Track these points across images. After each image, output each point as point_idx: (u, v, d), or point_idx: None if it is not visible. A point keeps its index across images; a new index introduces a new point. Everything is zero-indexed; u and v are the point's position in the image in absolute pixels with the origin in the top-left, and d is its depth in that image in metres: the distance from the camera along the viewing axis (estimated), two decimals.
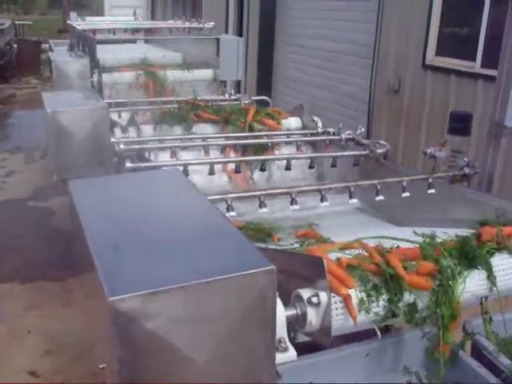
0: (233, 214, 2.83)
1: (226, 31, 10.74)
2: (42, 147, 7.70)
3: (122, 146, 3.42)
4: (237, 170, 3.65)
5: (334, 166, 3.74)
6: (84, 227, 1.75)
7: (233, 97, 5.05)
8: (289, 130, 4.40)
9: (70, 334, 4.08)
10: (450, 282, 2.09)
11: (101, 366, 1.71)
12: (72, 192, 2.07)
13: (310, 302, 1.87)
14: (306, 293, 1.89)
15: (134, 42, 8.16)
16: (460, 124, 3.41)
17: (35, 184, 7.17)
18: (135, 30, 7.37)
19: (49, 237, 5.70)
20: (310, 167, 3.90)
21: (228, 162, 3.80)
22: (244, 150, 3.99)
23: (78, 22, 7.14)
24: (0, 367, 3.80)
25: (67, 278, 4.82)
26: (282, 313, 1.79)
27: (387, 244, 2.59)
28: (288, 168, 3.66)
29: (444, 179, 3.29)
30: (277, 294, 1.58)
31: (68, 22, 7.76)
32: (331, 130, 4.21)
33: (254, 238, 2.92)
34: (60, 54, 5.56)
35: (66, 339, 4.05)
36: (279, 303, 1.75)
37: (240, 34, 10.21)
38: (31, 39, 17.93)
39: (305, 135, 4.30)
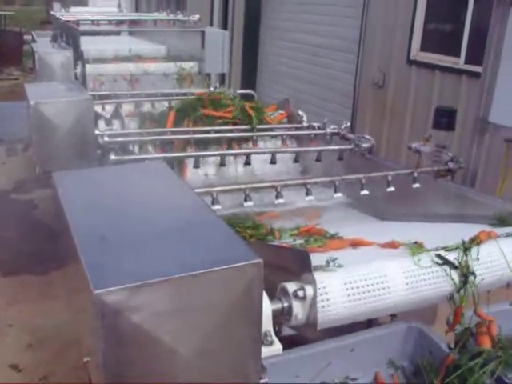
0: (218, 207, 2.82)
1: (211, 24, 10.70)
2: (24, 140, 7.62)
3: (106, 139, 3.40)
4: (222, 164, 3.63)
5: (318, 160, 3.74)
6: (69, 219, 1.73)
7: (218, 90, 5.01)
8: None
9: (53, 328, 4.05)
10: None
11: (85, 360, 1.69)
12: (56, 184, 2.04)
13: (295, 295, 1.86)
14: (291, 286, 1.89)
15: (118, 33, 8.10)
16: (445, 119, 3.43)
17: (17, 176, 7.09)
18: (119, 22, 7.32)
19: (31, 230, 5.64)
20: (295, 161, 3.90)
21: (213, 155, 3.78)
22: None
23: (62, 13, 7.06)
24: None
25: (50, 271, 4.78)
26: (267, 306, 1.78)
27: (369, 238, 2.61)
28: (273, 162, 3.65)
29: (429, 174, 3.30)
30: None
31: (51, 12, 7.68)
32: (316, 124, 4.20)
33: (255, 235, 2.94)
34: (43, 46, 5.48)
35: (49, 333, 4.02)
36: (265, 297, 1.75)
37: (225, 27, 10.17)
38: (13, 30, 17.69)
39: (290, 129, 4.29)
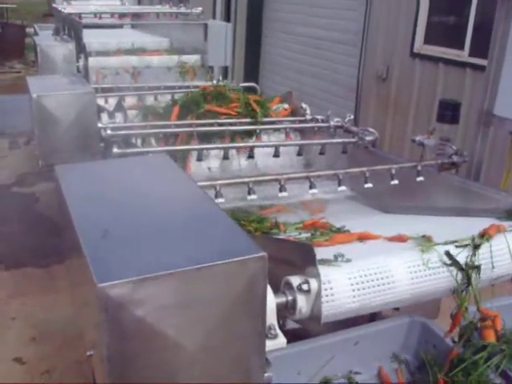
0: (221, 200, 2.81)
1: (214, 17, 10.66)
2: (27, 133, 7.63)
3: (108, 132, 3.38)
4: (225, 157, 3.62)
5: (322, 153, 3.72)
6: (71, 213, 1.72)
7: (221, 83, 4.99)
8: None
9: (56, 321, 4.06)
10: None
11: (88, 353, 1.69)
12: (59, 177, 2.03)
13: (300, 289, 1.86)
14: (296, 280, 1.88)
15: (120, 26, 8.08)
16: (449, 112, 3.41)
17: (19, 170, 7.10)
18: (122, 15, 7.30)
19: (33, 223, 5.65)
20: (299, 154, 3.88)
21: (216, 148, 3.77)
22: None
23: (64, 6, 7.04)
24: None
25: (52, 264, 4.78)
26: (271, 300, 1.78)
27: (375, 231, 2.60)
28: (276, 155, 3.63)
29: (432, 167, 3.29)
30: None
31: (53, 5, 7.65)
32: (319, 117, 4.18)
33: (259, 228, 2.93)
34: (45, 39, 5.48)
35: (52, 326, 4.03)
36: (269, 290, 1.74)
37: (228, 20, 10.14)
38: (15, 23, 17.66)
39: (293, 122, 4.27)
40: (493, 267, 2.23)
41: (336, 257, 2.04)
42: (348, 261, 2.04)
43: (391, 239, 2.41)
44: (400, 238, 2.36)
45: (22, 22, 17.71)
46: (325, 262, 2.01)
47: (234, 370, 1.55)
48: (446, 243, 2.22)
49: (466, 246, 2.20)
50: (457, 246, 2.20)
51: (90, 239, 1.56)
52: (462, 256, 2.19)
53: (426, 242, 2.23)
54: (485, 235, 2.25)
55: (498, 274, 2.27)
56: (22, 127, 7.87)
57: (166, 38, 7.02)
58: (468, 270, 2.13)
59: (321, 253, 2.06)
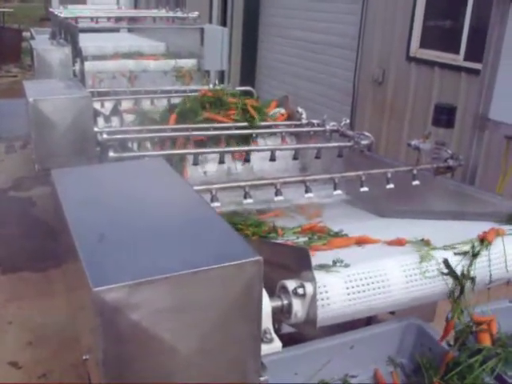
0: (217, 204, 2.81)
1: (210, 21, 10.68)
2: (23, 137, 7.61)
3: (105, 136, 3.39)
4: (221, 161, 3.63)
5: (318, 157, 3.73)
6: (67, 217, 1.73)
7: (218, 87, 5.00)
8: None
9: (52, 325, 4.05)
10: None
11: (84, 357, 1.69)
12: (55, 181, 2.04)
13: (295, 293, 1.86)
14: (291, 284, 1.88)
15: (117, 30, 8.08)
16: (444, 116, 3.43)
17: (16, 174, 7.09)
18: (118, 19, 7.30)
19: (30, 227, 5.64)
20: (295, 158, 3.89)
21: (212, 152, 3.78)
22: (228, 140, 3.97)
23: (60, 10, 7.04)
24: None
25: (49, 268, 4.77)
26: (267, 304, 1.78)
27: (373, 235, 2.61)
28: (272, 159, 3.64)
29: (428, 171, 3.30)
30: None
31: (50, 9, 7.65)
32: (315, 121, 4.19)
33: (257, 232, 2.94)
34: (42, 43, 5.47)
35: (48, 330, 4.02)
36: (264, 294, 1.74)
37: (224, 24, 10.16)
38: (12, 27, 17.66)
39: (289, 126, 4.28)
40: (490, 271, 2.23)
41: (335, 262, 2.05)
42: (347, 266, 2.04)
43: (390, 243, 2.41)
44: (399, 242, 2.36)
45: (19, 26, 17.72)
46: (323, 267, 2.01)
47: (230, 373, 1.56)
48: (444, 248, 2.21)
49: (465, 253, 2.19)
50: (455, 254, 2.19)
51: (85, 243, 1.56)
52: (459, 259, 2.19)
53: (424, 245, 2.23)
54: (484, 241, 2.25)
55: (495, 278, 2.27)
56: (18, 131, 7.83)
57: (163, 42, 7.03)
58: (462, 280, 2.13)
59: (319, 257, 2.06)
